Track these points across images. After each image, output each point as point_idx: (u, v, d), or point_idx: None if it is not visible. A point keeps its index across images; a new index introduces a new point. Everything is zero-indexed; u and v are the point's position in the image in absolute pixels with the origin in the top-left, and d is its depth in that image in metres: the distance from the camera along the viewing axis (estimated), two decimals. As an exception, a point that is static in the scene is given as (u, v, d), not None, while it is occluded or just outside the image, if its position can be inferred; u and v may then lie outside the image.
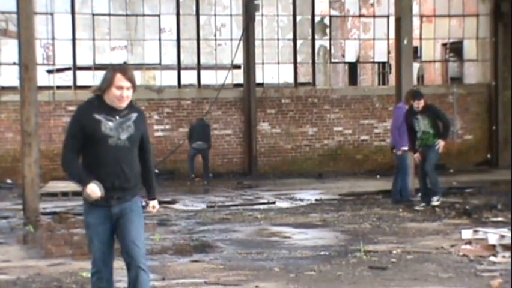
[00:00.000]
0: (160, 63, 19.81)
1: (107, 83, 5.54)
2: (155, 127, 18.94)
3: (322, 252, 9.34)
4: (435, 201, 12.82)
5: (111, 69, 5.61)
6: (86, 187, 5.49)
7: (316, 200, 14.59)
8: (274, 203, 14.31)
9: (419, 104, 12.78)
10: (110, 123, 5.54)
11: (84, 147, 5.56)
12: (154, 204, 6.18)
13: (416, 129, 12.87)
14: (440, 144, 12.76)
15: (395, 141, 13.51)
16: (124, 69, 5.64)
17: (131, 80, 5.57)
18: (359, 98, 20.26)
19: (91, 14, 19.06)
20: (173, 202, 14.41)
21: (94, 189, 5.48)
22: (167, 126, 19.12)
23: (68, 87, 18.81)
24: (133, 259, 5.62)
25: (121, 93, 5.53)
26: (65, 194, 14.98)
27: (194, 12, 19.60)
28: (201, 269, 8.49)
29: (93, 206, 5.64)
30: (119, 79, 5.52)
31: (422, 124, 12.83)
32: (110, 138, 5.53)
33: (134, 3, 19.95)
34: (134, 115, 5.69)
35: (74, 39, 18.80)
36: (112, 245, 5.75)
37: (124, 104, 5.58)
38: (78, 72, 18.97)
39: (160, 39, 19.64)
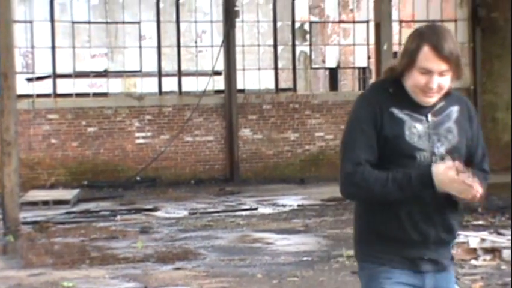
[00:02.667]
0: (140, 71, 19.76)
1: (407, 59, 3.30)
2: (137, 134, 18.89)
3: (305, 258, 9.35)
4: None
5: (417, 33, 3.33)
6: (443, 177, 3.17)
7: (298, 205, 14.61)
8: (256, 209, 14.31)
9: None
10: (419, 127, 3.34)
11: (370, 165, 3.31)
12: None
13: None
14: None
15: None
16: (439, 36, 3.26)
17: (449, 57, 3.26)
18: (339, 103, 20.31)
19: (71, 22, 19.00)
20: (155, 209, 14.38)
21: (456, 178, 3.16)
22: (149, 133, 19.07)
23: (48, 95, 18.73)
24: None
25: (429, 81, 3.27)
26: (45, 203, 14.90)
27: (174, 19, 19.58)
28: (184, 277, 8.47)
29: (383, 268, 3.33)
30: (429, 56, 3.25)
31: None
32: (420, 153, 3.32)
33: (114, 11, 19.91)
34: (454, 109, 3.42)
35: (53, 47, 18.73)
36: None
37: (434, 99, 3.34)
38: (58, 80, 18.89)
39: (140, 47, 19.60)
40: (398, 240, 3.31)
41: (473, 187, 3.15)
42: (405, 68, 3.31)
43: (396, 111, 3.32)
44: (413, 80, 3.30)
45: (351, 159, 3.28)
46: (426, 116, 3.36)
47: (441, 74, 3.28)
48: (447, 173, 3.18)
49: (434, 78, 3.27)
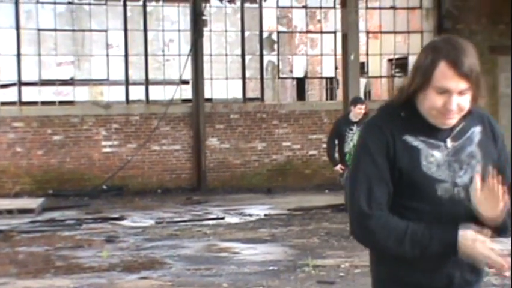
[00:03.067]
0: (107, 79, 19.68)
1: (421, 77, 2.87)
2: (103, 143, 18.79)
3: (271, 267, 9.35)
4: None
5: (431, 47, 2.90)
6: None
7: (265, 215, 14.61)
8: (223, 218, 14.29)
9: (361, 110, 11.45)
10: (437, 155, 2.91)
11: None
12: None
13: (345, 140, 11.46)
14: None
15: None
16: (458, 50, 2.84)
17: (469, 74, 2.84)
18: (307, 113, 20.38)
19: (37, 29, 18.86)
20: (122, 218, 14.30)
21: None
22: (116, 142, 18.98)
23: (13, 103, 18.57)
24: None
25: (447, 102, 2.85)
26: (10, 212, 14.75)
27: (142, 28, 19.53)
28: (149, 286, 8.43)
29: None
30: (446, 73, 2.83)
31: (356, 137, 11.56)
32: (440, 186, 2.89)
33: (80, 19, 19.82)
34: (476, 130, 2.99)
35: (19, 55, 18.57)
36: None
37: (454, 121, 2.92)
38: (23, 88, 18.73)
39: (107, 55, 19.52)
40: (421, 286, 2.91)
41: (502, 262, 2.77)
42: (419, 87, 2.86)
43: (410, 138, 2.88)
44: (429, 102, 2.85)
45: (366, 198, 2.84)
46: (445, 141, 2.92)
47: (460, 93, 2.83)
48: (475, 245, 2.77)
49: (453, 99, 2.82)
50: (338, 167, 11.68)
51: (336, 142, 11.76)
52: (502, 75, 21.48)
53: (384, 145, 2.88)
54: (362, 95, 18.90)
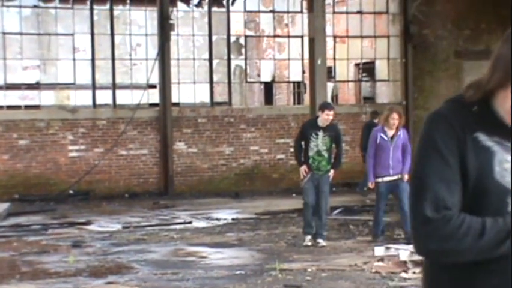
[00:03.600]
0: (74, 83, 19.55)
1: (502, 72, 2.38)
2: (70, 147, 18.67)
3: (238, 272, 9.37)
4: (322, 241, 11.28)
5: None
6: None
7: (232, 219, 14.62)
8: (190, 222, 14.27)
9: (329, 116, 11.13)
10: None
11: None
12: None
13: (310, 145, 11.24)
14: (332, 175, 11.45)
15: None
16: None
17: None
18: (274, 117, 20.43)
19: (2, 33, 18.70)
20: (88, 223, 14.22)
21: None
22: (82, 147, 18.87)
23: (-22, 107, 18.39)
24: None
25: None
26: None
27: (109, 32, 19.44)
28: (116, 291, 8.40)
29: None
30: None
31: (321, 142, 11.24)
32: None
33: (46, 22, 19.68)
34: None
35: (-16, 58, 18.39)
36: None
37: None
38: (-11, 92, 18.55)
39: (74, 59, 19.41)
40: None
41: None
42: (499, 83, 2.37)
43: (482, 137, 2.38)
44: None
45: (433, 201, 2.33)
46: None
47: None
48: None
49: None
50: (303, 168, 11.31)
51: (303, 145, 11.48)
52: (467, 79, 21.70)
53: (454, 141, 2.37)
54: (329, 99, 18.99)
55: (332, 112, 11.27)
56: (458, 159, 2.36)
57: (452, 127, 2.39)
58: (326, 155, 11.26)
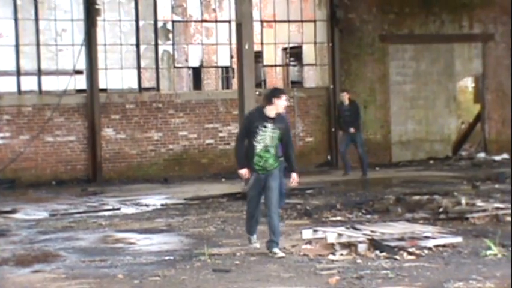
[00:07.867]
0: (-3, 69, 19.16)
1: None
2: (-6, 135, 18.34)
3: (167, 257, 9.38)
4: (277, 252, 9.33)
5: None
6: None
7: (161, 205, 14.60)
8: (119, 209, 14.20)
9: (285, 103, 9.36)
10: None
11: None
12: None
13: (256, 139, 9.29)
14: (295, 178, 9.58)
15: None
16: None
17: None
18: (203, 102, 20.41)
19: None
20: (14, 211, 14.01)
21: None
22: (7, 134, 18.54)
23: None
24: None
25: None
26: None
27: (33, 17, 19.09)
28: (42, 280, 8.32)
29: None
30: None
31: (269, 136, 9.30)
32: None
33: (-32, 7, 19.23)
34: None
35: None
36: None
37: None
38: None
39: (-3, 44, 19.01)
40: None
41: None
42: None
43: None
44: None
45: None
46: None
47: None
48: None
49: None
50: (244, 171, 9.46)
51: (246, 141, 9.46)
52: (392, 64, 22.06)
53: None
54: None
55: (284, 98, 9.36)
56: None
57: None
58: (273, 151, 9.37)
